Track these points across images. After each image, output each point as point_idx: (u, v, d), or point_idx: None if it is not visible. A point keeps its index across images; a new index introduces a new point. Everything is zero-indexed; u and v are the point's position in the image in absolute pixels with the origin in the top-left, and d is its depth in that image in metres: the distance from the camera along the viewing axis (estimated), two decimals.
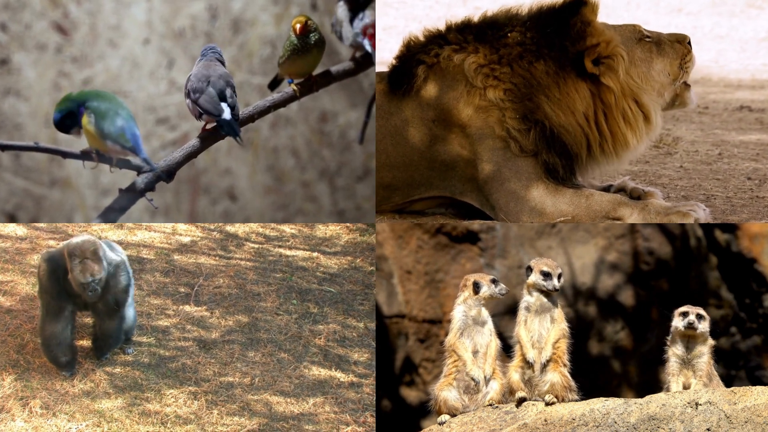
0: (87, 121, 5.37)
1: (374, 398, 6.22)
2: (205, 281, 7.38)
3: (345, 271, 7.75)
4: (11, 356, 6.23)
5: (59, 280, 5.99)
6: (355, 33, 5.65)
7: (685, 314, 4.84)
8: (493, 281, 4.94)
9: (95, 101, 5.39)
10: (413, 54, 6.14)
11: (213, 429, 5.77)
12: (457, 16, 6.28)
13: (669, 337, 4.89)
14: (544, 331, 4.82)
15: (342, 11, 5.73)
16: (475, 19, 6.15)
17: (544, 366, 4.79)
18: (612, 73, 6.00)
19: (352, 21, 5.66)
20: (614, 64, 5.99)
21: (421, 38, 6.19)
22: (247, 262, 7.73)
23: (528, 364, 4.81)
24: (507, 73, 5.99)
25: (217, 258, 7.75)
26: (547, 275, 4.84)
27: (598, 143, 6.05)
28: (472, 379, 4.85)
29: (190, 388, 6.14)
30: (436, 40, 6.14)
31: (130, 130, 5.34)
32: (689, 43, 6.17)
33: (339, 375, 6.42)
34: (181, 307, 7.04)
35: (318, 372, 6.43)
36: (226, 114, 5.39)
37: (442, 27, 6.18)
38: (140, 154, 5.36)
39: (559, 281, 4.86)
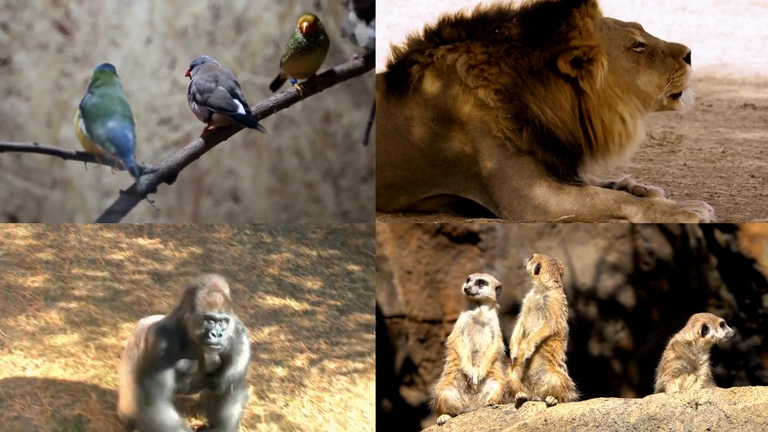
0: (77, 118, 5.24)
1: (370, 348, 6.17)
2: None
3: None
4: None
5: (170, 356, 4.91)
6: (370, 37, 5.63)
7: (723, 325, 4.82)
8: (480, 282, 4.94)
9: (94, 98, 5.23)
10: (408, 54, 6.13)
11: None
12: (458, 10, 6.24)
13: (679, 340, 4.86)
14: (535, 327, 4.80)
15: (353, 16, 5.71)
16: (468, 14, 6.11)
17: (529, 362, 4.75)
18: (591, 78, 5.93)
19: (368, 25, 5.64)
20: (594, 70, 5.92)
21: (420, 35, 6.16)
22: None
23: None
24: (495, 73, 5.96)
25: None
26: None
27: (588, 143, 6.02)
28: (465, 376, 4.85)
29: None
30: (431, 38, 6.12)
31: (122, 133, 5.18)
32: (686, 57, 6.02)
33: (293, 303, 6.36)
34: (134, 240, 6.91)
35: (272, 301, 6.37)
36: (241, 109, 5.36)
37: (436, 22, 6.14)
38: (127, 164, 5.17)
39: (532, 265, 4.86)
